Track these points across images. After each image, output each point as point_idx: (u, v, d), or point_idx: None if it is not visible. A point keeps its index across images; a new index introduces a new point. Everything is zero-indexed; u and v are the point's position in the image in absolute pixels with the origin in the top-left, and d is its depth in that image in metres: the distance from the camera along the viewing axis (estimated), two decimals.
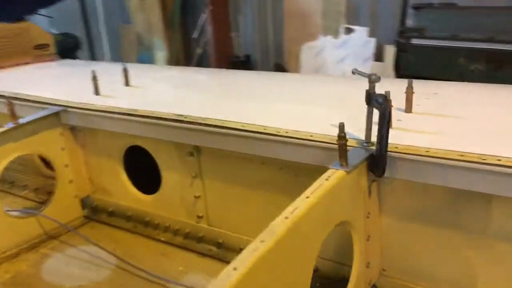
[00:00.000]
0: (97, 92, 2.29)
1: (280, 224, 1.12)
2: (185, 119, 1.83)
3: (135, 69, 2.54)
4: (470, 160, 1.27)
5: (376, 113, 1.37)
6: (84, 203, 2.39)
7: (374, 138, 1.40)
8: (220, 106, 2.03)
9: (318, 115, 1.77)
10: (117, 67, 2.49)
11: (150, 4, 7.60)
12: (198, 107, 1.96)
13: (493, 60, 3.93)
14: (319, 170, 1.36)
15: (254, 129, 1.66)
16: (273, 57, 7.16)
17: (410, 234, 1.51)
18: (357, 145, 1.45)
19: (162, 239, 2.15)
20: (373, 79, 1.37)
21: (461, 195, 1.36)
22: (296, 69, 6.71)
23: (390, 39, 5.99)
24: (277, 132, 1.60)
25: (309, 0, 6.55)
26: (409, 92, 1.65)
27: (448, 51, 4.25)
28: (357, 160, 1.38)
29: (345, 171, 1.33)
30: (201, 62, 7.74)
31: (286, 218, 1.14)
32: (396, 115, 1.61)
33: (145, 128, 1.96)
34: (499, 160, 1.25)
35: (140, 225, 2.23)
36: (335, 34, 6.39)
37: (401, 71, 4.64)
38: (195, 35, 7.63)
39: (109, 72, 2.64)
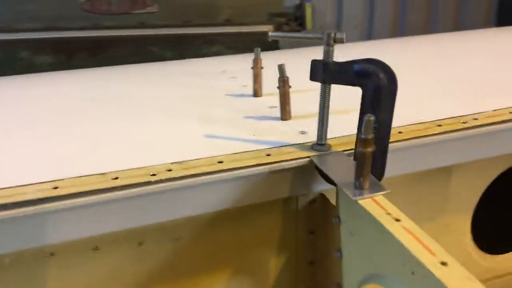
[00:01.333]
0: None
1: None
2: None
3: None
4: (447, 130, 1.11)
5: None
6: None
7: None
8: None
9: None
10: None
11: None
12: None
13: (61, 50, 3.73)
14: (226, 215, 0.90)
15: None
16: None
17: None
18: (308, 153, 1.00)
19: None
20: (338, 38, 0.90)
21: None
22: None
23: None
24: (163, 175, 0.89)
25: None
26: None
27: (4, 45, 3.76)
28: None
29: (382, 193, 0.85)
30: None
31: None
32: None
33: None
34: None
35: None
36: None
37: None
38: None
39: None
